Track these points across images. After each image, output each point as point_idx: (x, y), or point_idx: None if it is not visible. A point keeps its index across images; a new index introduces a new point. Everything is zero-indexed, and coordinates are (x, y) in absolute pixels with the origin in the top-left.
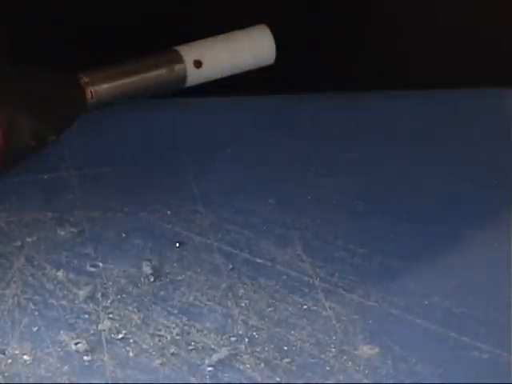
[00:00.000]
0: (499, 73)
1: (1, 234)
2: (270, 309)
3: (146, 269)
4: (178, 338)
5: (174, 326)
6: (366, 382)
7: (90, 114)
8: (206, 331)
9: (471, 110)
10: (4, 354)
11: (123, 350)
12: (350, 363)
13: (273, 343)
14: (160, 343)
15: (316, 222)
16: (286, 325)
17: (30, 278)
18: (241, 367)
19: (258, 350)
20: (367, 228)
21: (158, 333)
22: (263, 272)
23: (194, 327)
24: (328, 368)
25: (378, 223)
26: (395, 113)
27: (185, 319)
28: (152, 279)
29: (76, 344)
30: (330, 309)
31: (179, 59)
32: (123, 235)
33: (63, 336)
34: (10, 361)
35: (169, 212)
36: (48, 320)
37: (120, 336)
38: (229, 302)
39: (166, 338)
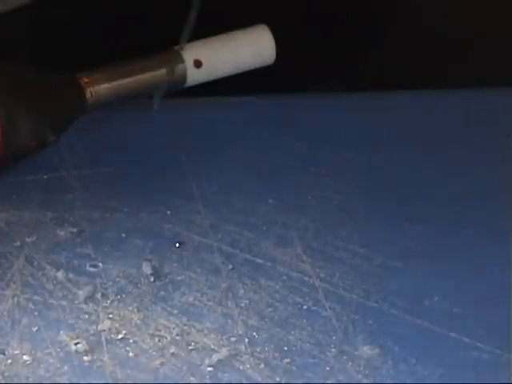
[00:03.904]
0: (499, 73)
1: (1, 233)
2: (269, 309)
3: (146, 269)
4: (177, 338)
5: (173, 326)
6: (365, 382)
7: (89, 114)
8: (206, 331)
9: (471, 110)
10: (4, 354)
11: (123, 350)
12: (349, 363)
13: (273, 343)
14: (160, 343)
15: (316, 222)
16: (286, 325)
17: (30, 278)
18: (241, 367)
19: (257, 350)
20: (367, 228)
21: (158, 333)
22: (263, 272)
23: (194, 327)
24: (328, 368)
25: (378, 223)
26: (395, 113)
27: (185, 319)
28: (152, 279)
29: (76, 344)
30: (330, 309)
31: (179, 59)
32: (123, 235)
33: (63, 336)
34: (9, 361)
35: (169, 212)
36: (48, 320)
37: (120, 336)
38: (229, 302)
39: (166, 338)
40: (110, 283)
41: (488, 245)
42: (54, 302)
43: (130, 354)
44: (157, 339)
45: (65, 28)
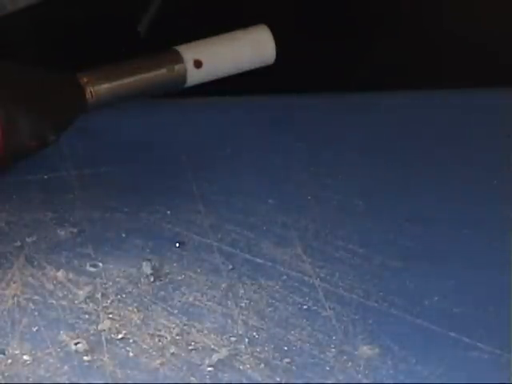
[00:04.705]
0: (499, 73)
1: (1, 233)
2: (269, 309)
3: (146, 269)
4: (177, 338)
5: (173, 326)
6: (365, 381)
7: (89, 114)
8: (206, 331)
9: (471, 110)
10: (4, 354)
11: (123, 350)
12: (349, 363)
13: (273, 343)
14: (160, 343)
15: (316, 222)
16: (286, 325)
17: (30, 278)
18: (241, 367)
19: (257, 350)
20: (367, 228)
21: (158, 333)
22: (263, 272)
23: (194, 327)
24: (328, 368)
25: (378, 223)
26: (395, 113)
27: (185, 319)
28: (152, 279)
29: (76, 344)
30: (330, 309)
31: (179, 59)
32: (123, 235)
33: (63, 336)
34: (9, 361)
35: (169, 212)
36: (48, 320)
37: (120, 336)
38: (229, 302)
39: (166, 338)
40: (110, 283)
41: (488, 245)
42: (54, 302)
43: (130, 354)
44: (157, 339)
45: (65, 28)
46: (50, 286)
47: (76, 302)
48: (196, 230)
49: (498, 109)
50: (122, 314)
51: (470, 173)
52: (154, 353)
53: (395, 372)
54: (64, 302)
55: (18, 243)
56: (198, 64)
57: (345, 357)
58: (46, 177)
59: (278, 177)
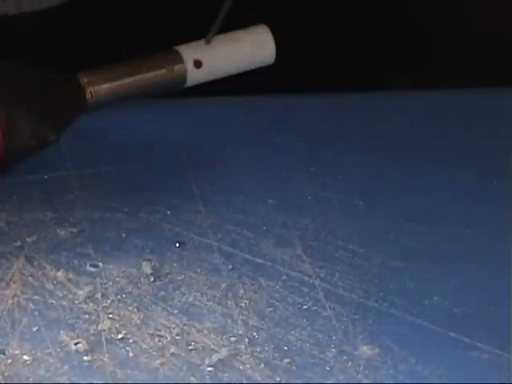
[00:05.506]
0: (499, 73)
1: (1, 233)
2: (269, 309)
3: (146, 269)
4: (177, 337)
5: (173, 326)
6: (365, 381)
7: (89, 114)
8: (206, 331)
9: (471, 110)
10: (4, 354)
11: (123, 350)
12: (349, 363)
13: (273, 343)
14: (160, 343)
15: (316, 222)
16: (286, 325)
17: (30, 278)
18: (241, 367)
19: (257, 350)
20: (367, 228)
21: (158, 333)
22: (263, 272)
23: (194, 327)
24: (328, 368)
25: (378, 223)
26: (395, 113)
27: (185, 319)
28: (152, 279)
29: (76, 344)
30: (330, 309)
31: (179, 59)
32: (123, 235)
33: (63, 336)
34: (9, 361)
35: (169, 212)
36: (48, 320)
37: (120, 336)
38: (229, 302)
39: (166, 338)
40: (110, 283)
41: (488, 245)
42: (54, 302)
43: (130, 354)
44: (157, 339)
45: (66, 28)
46: (50, 286)
47: (76, 301)
48: (196, 230)
49: (498, 109)
50: (121, 313)
51: (471, 173)
52: (154, 353)
53: (395, 372)
54: (64, 302)
55: (18, 243)
56: (197, 64)
57: (345, 357)
58: (46, 177)
59: (278, 177)
